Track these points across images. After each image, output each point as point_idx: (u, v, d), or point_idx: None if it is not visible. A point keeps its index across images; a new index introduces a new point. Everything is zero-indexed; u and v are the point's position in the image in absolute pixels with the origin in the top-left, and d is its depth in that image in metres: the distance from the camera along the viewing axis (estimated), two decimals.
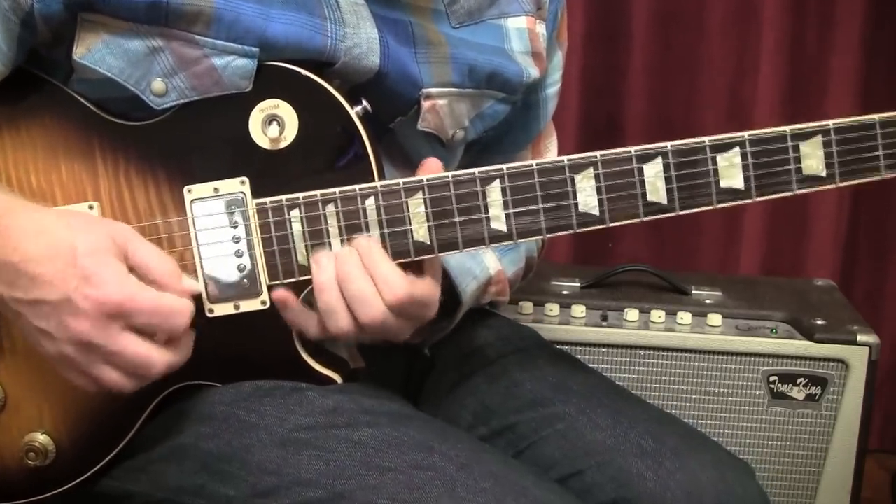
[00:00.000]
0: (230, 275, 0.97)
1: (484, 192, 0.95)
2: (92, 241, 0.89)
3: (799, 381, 1.50)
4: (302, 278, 0.96)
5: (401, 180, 0.95)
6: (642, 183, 0.94)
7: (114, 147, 0.97)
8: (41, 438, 1.00)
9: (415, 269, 0.96)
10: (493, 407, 1.12)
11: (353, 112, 0.96)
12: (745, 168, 0.94)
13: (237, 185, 0.96)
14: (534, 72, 1.15)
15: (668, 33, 2.16)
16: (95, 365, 0.89)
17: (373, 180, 0.96)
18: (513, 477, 0.92)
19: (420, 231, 0.95)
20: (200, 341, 0.95)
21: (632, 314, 1.54)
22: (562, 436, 1.05)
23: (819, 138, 0.94)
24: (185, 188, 0.97)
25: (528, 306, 1.56)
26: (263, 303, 0.97)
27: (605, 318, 1.55)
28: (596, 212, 0.95)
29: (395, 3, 1.04)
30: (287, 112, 0.96)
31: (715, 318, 1.53)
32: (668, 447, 1.01)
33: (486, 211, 0.95)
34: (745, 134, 0.94)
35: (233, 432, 0.96)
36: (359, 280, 0.93)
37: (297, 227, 0.96)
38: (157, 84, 0.95)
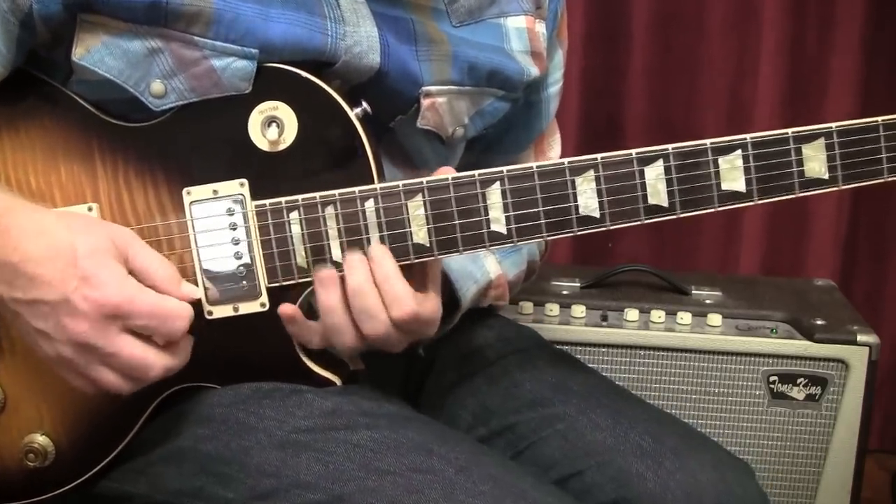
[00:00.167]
0: (229, 277, 0.97)
1: (484, 195, 0.95)
2: (92, 243, 0.89)
3: (799, 381, 1.50)
4: (301, 280, 0.96)
5: (400, 182, 0.95)
6: (643, 185, 0.94)
7: (113, 149, 0.97)
8: (41, 440, 0.99)
9: (417, 281, 0.96)
10: (492, 407, 1.12)
11: (353, 114, 0.96)
12: (746, 171, 0.94)
13: (236, 187, 0.96)
14: (534, 70, 1.15)
15: (668, 34, 2.16)
16: (93, 366, 0.90)
17: (372, 182, 0.96)
18: (512, 479, 0.92)
19: (420, 233, 0.95)
20: (199, 343, 0.95)
21: (632, 314, 1.54)
22: (562, 436, 1.05)
23: (822, 141, 0.94)
24: (185, 190, 0.96)
25: (528, 306, 1.56)
26: (262, 305, 0.97)
27: (605, 318, 1.55)
28: (596, 214, 0.95)
29: (395, 1, 1.04)
30: (286, 114, 0.95)
31: (715, 318, 1.53)
32: (668, 447, 1.01)
33: (486, 213, 0.95)
34: (747, 136, 0.94)
35: (231, 434, 0.96)
36: (368, 296, 0.93)
37: (296, 229, 0.96)
38: (157, 85, 0.95)
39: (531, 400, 1.10)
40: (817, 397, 1.50)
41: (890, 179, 0.95)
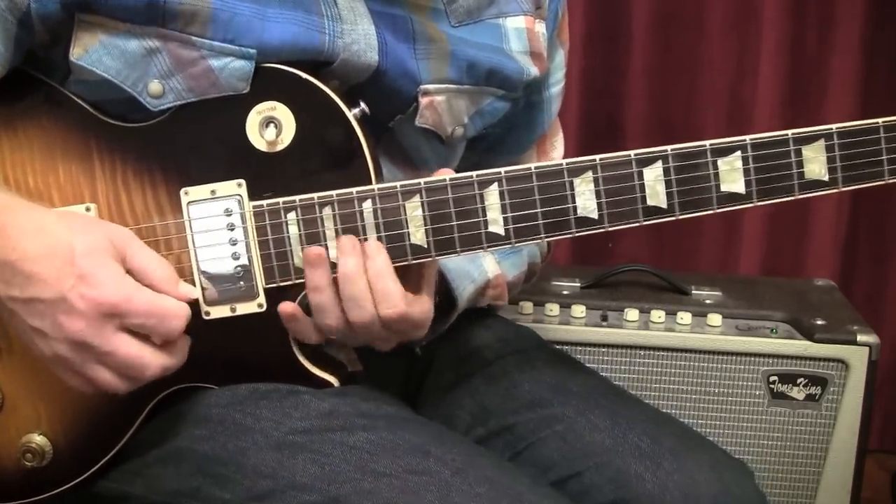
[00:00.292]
0: (227, 277, 0.96)
1: (482, 196, 0.95)
2: (90, 242, 0.89)
3: (799, 381, 1.50)
4: (298, 280, 0.96)
5: (398, 183, 0.95)
6: (642, 187, 0.94)
7: (111, 149, 0.97)
8: (38, 439, 0.99)
9: (411, 282, 0.96)
10: (491, 408, 1.11)
11: (351, 114, 0.96)
12: (746, 172, 0.94)
13: (234, 188, 0.96)
14: (534, 70, 1.14)
15: (668, 34, 2.16)
16: (89, 365, 0.90)
17: (370, 183, 0.96)
18: (508, 481, 0.92)
19: (417, 234, 0.95)
20: (197, 344, 0.95)
21: (632, 314, 1.54)
22: (560, 437, 1.05)
23: (822, 142, 0.94)
24: (182, 190, 0.96)
25: (528, 306, 1.56)
26: (260, 305, 0.97)
27: (605, 318, 1.54)
28: (595, 216, 0.95)
29: (394, 0, 1.04)
30: (284, 114, 0.95)
31: (715, 318, 1.53)
32: (666, 448, 1.01)
33: (484, 214, 0.95)
34: (747, 138, 0.94)
35: (228, 435, 0.96)
36: (358, 283, 0.93)
37: (293, 229, 0.96)
38: (154, 85, 0.95)
39: (530, 401, 1.10)
40: (817, 397, 1.50)
41: (890, 181, 0.95)
